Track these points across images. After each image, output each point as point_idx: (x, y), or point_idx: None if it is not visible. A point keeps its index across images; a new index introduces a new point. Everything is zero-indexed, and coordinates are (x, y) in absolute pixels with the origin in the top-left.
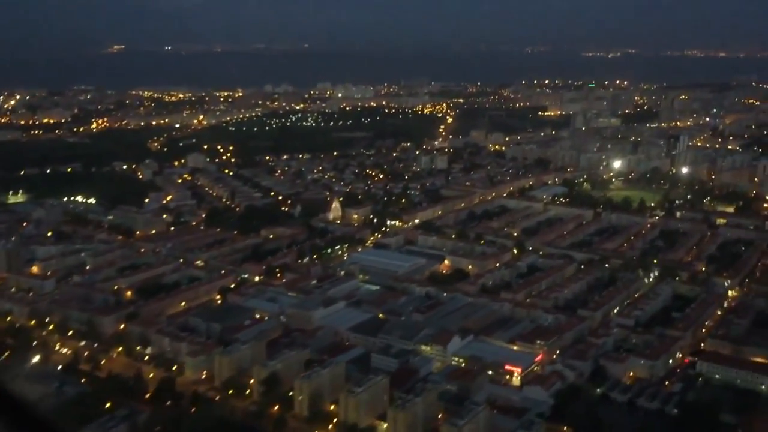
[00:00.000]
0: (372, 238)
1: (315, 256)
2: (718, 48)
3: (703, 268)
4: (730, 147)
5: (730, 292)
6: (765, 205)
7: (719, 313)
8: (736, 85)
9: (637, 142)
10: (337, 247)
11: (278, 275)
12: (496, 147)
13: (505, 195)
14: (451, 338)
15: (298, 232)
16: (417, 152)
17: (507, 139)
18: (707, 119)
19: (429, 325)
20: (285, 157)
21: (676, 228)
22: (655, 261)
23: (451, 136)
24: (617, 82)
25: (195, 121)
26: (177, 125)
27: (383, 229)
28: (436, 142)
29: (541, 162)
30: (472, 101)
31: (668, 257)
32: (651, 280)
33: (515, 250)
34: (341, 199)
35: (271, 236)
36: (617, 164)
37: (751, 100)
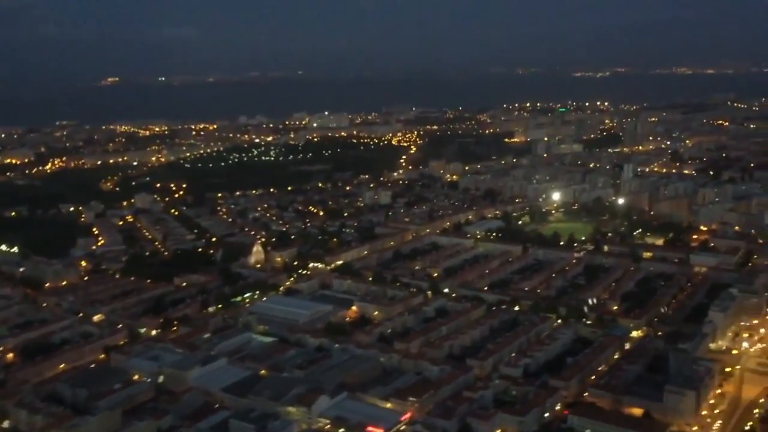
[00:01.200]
0: (288, 282)
1: (220, 306)
2: (706, 65)
3: (615, 307)
4: (686, 171)
5: (635, 333)
6: (694, 236)
7: (616, 357)
8: (712, 105)
9: (595, 168)
10: (248, 294)
11: (174, 329)
12: (453, 177)
13: (438, 231)
14: (317, 398)
15: (211, 279)
16: (372, 185)
17: (467, 168)
18: (668, 143)
19: (308, 382)
20: (237, 193)
21: (601, 263)
22: (551, 302)
23: (411, 167)
24: (598, 103)
25: (154, 158)
26: (135, 163)
27: (303, 272)
28: (395, 173)
29: (491, 193)
30: (446, 128)
31: (584, 295)
32: (559, 321)
33: (430, 293)
34: (273, 239)
35: (184, 284)
36: (556, 196)
37: (720, 121)
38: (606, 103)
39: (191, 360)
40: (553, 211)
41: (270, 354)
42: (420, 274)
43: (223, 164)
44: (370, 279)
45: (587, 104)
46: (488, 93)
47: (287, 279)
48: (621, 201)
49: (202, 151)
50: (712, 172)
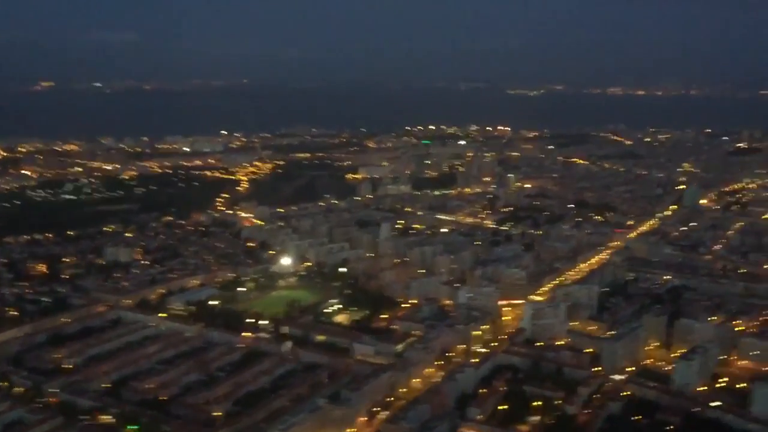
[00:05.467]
0: None
1: None
2: (640, 86)
3: (218, 414)
4: (487, 223)
5: None
6: (384, 315)
7: None
8: (592, 137)
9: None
10: None
11: None
12: (257, 223)
13: (137, 303)
14: None
15: None
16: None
17: (281, 210)
18: (494, 186)
19: None
20: (9, 241)
21: (264, 350)
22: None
23: (224, 208)
24: (500, 127)
25: None
26: None
27: None
28: (202, 217)
29: (264, 247)
30: (321, 156)
31: (201, 396)
32: None
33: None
34: None
35: None
36: (286, 261)
37: (575, 158)
38: (508, 128)
39: None
40: (283, 276)
41: None
42: (52, 365)
43: (8, 204)
44: None
45: (488, 128)
46: (420, 108)
47: None
48: (343, 269)
49: (8, 187)
50: (510, 224)
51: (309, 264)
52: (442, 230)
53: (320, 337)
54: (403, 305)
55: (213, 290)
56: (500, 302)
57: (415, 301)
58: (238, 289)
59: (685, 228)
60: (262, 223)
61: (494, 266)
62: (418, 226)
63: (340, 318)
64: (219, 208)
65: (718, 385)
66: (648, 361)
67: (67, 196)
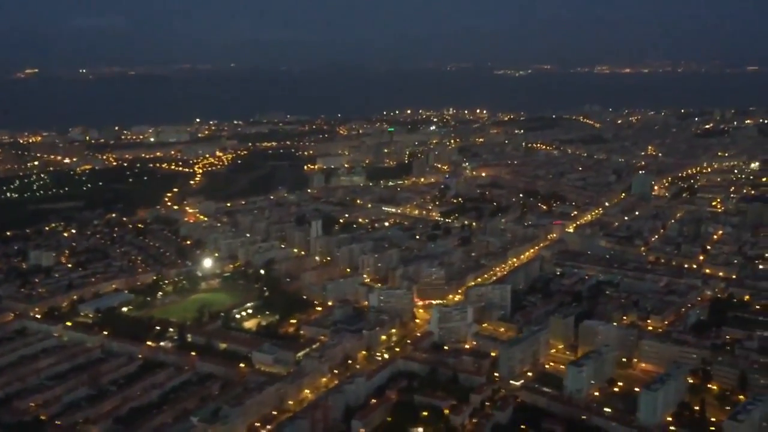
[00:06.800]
0: None
1: None
2: (627, 64)
3: None
4: (434, 215)
5: None
6: (292, 322)
7: None
8: (566, 119)
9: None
10: None
11: None
12: (201, 218)
13: (47, 310)
14: None
15: None
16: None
17: (229, 205)
18: (446, 177)
19: None
20: None
21: (162, 361)
22: None
23: (169, 203)
24: (478, 111)
25: None
26: None
27: None
28: (147, 213)
29: (199, 245)
30: (288, 145)
31: (82, 416)
32: None
33: None
34: None
35: None
36: (207, 262)
37: (539, 144)
38: (485, 112)
39: None
40: (206, 278)
41: None
42: None
43: None
44: None
45: (465, 112)
46: (405, 91)
47: None
48: (262, 272)
49: None
50: (454, 217)
51: (237, 264)
52: (386, 224)
53: (223, 345)
54: (317, 308)
55: (128, 296)
56: (420, 303)
57: (331, 304)
58: (158, 293)
59: (627, 218)
60: (205, 219)
61: (417, 265)
62: (362, 220)
63: (250, 323)
64: (167, 203)
65: (612, 391)
66: (549, 365)
67: (11, 194)
